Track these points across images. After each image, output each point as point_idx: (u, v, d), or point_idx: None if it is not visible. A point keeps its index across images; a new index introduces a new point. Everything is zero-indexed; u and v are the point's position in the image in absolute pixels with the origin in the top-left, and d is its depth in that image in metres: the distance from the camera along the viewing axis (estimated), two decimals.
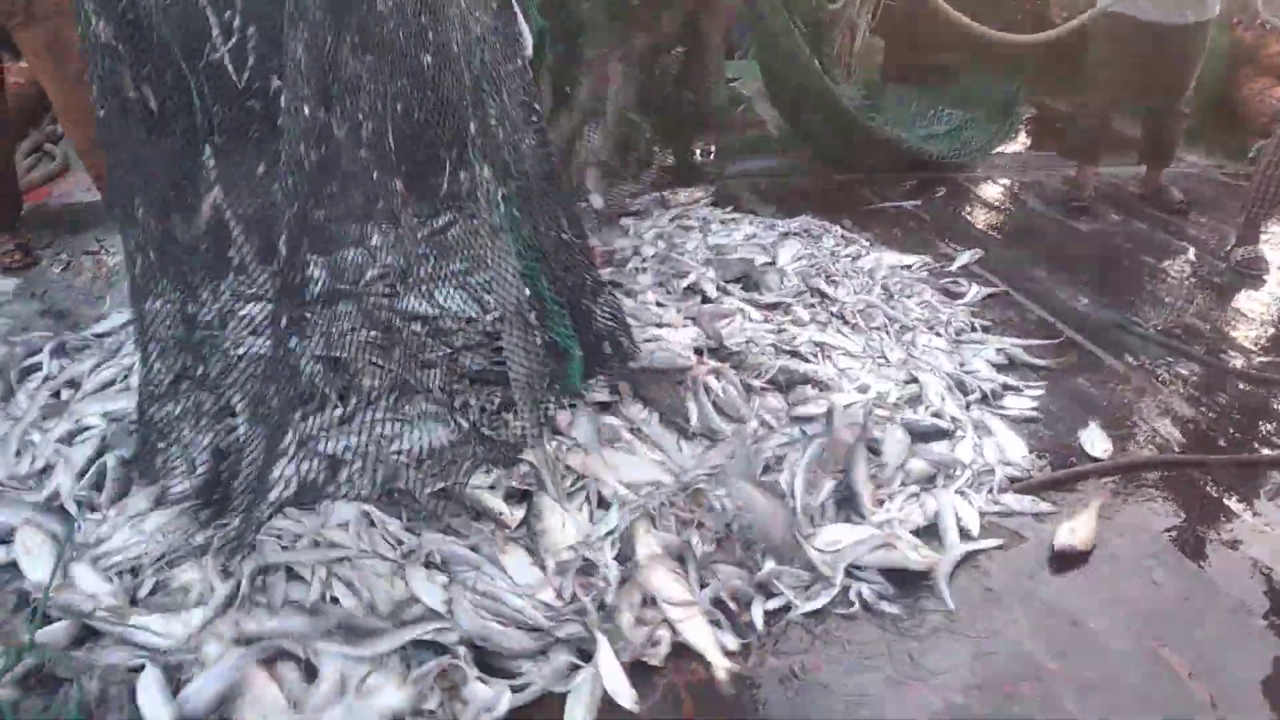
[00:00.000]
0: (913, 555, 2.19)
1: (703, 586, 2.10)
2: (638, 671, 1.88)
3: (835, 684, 1.91)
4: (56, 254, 4.00)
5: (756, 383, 2.82)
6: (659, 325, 3.07)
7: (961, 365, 3.11)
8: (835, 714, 1.85)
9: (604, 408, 2.62)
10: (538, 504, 2.21)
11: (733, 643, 1.98)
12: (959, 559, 2.22)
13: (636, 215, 4.29)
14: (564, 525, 2.17)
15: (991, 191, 5.21)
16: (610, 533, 2.19)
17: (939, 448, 2.63)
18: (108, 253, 3.90)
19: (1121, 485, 2.59)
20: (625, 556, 2.14)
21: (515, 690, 1.81)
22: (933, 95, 5.64)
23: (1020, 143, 6.23)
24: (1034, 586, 2.19)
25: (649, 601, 2.05)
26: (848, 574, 2.14)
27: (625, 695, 1.81)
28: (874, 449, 2.54)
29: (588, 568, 2.10)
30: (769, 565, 2.14)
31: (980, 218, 4.77)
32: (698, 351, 2.93)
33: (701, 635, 1.96)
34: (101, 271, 3.75)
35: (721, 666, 1.90)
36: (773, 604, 2.09)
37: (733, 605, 2.08)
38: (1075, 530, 2.30)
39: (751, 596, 2.11)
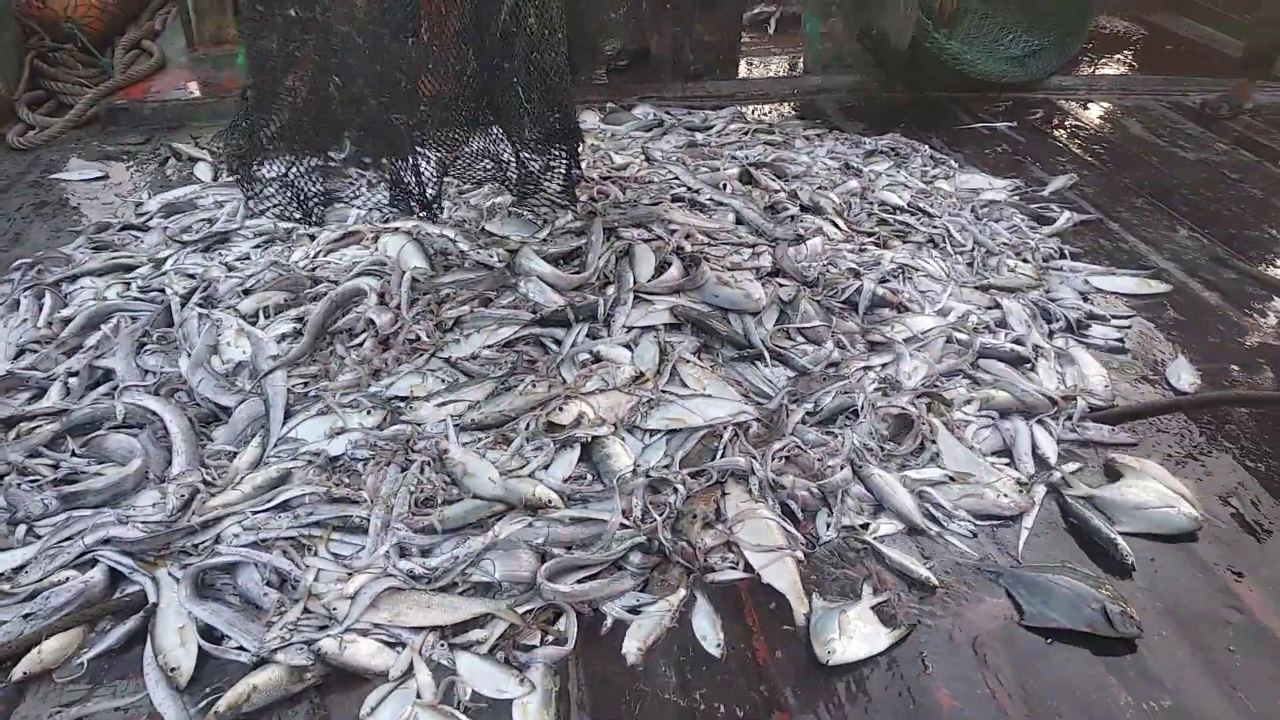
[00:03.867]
0: (1004, 501, 2.18)
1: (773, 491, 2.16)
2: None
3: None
4: (154, 149, 4.14)
5: (834, 304, 2.81)
6: (736, 244, 3.06)
7: (1047, 292, 3.04)
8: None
9: (673, 328, 2.66)
10: (600, 440, 2.24)
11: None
12: (1040, 500, 2.21)
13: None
14: (625, 451, 2.22)
15: (1091, 114, 4.98)
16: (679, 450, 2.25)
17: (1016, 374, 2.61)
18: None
19: (1206, 421, 2.53)
20: (695, 474, 2.19)
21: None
22: (1011, 14, 5.12)
23: (1125, 64, 5.92)
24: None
25: (718, 516, 2.11)
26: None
27: (712, 641, 1.84)
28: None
29: (657, 485, 2.14)
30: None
31: (1078, 141, 4.57)
32: (773, 273, 2.91)
33: (786, 579, 1.97)
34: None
35: (801, 612, 1.90)
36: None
37: (800, 515, 2.13)
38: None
39: (818, 508, 2.16)
